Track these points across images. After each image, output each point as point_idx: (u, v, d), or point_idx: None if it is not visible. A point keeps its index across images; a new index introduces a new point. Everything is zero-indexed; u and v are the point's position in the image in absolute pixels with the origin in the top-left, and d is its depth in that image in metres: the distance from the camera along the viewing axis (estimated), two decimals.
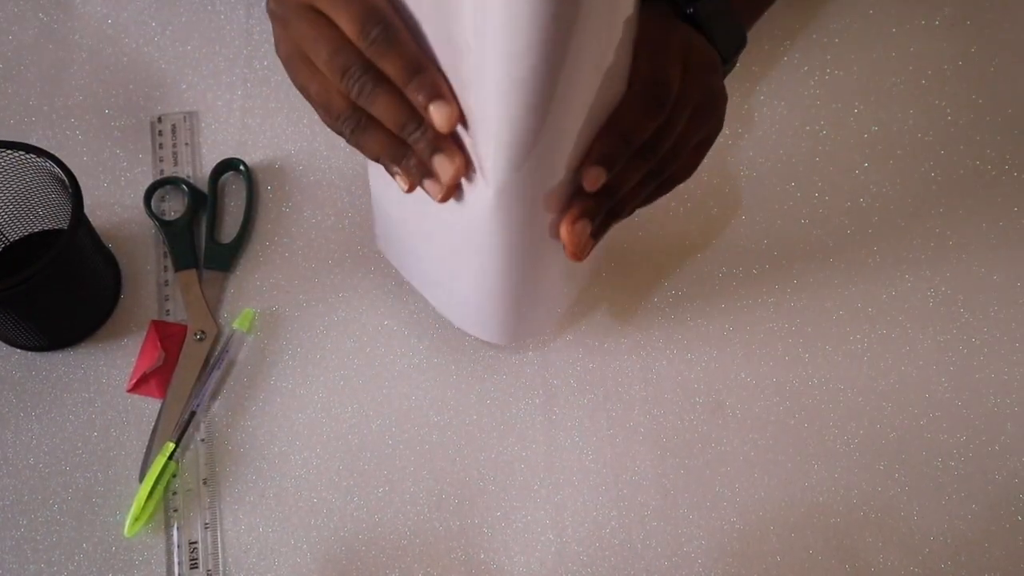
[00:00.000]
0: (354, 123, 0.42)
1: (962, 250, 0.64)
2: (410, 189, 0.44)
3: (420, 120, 0.40)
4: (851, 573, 0.56)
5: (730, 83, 0.54)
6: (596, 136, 0.42)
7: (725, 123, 0.50)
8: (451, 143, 0.41)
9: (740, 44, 0.53)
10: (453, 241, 0.49)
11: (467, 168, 0.42)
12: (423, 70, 0.39)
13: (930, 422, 0.60)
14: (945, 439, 0.59)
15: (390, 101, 0.40)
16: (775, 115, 0.68)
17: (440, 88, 0.39)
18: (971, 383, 0.61)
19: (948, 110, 0.68)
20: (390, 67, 0.39)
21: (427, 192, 0.43)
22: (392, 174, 0.44)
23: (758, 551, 0.57)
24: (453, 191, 0.43)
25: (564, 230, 0.44)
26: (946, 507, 0.58)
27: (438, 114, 0.39)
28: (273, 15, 0.42)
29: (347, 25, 0.39)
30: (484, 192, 0.42)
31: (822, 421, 0.60)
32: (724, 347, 0.61)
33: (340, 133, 0.43)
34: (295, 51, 0.42)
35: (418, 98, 0.39)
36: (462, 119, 0.40)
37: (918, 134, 0.68)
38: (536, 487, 0.58)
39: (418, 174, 0.43)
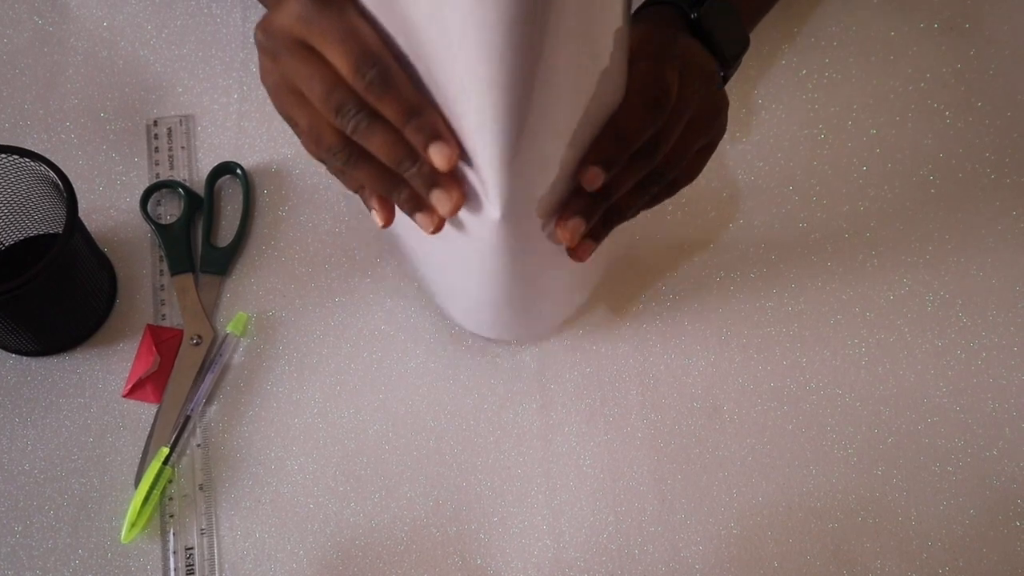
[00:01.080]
0: (345, 156, 0.41)
1: (960, 254, 0.64)
2: (385, 225, 0.43)
3: (417, 156, 0.39)
4: None
5: (728, 86, 0.54)
6: (595, 141, 0.42)
7: None
8: (448, 177, 0.40)
9: (743, 47, 0.53)
10: (458, 255, 0.48)
11: (465, 198, 0.41)
12: (420, 112, 0.38)
13: (928, 427, 0.60)
14: (943, 444, 0.59)
15: (386, 138, 0.39)
16: (773, 118, 0.68)
17: (438, 129, 0.38)
18: (969, 387, 0.61)
19: (947, 113, 0.68)
20: (387, 109, 0.38)
21: (418, 224, 0.42)
22: (368, 208, 0.43)
23: (756, 556, 0.56)
24: (443, 224, 0.42)
25: (559, 228, 0.44)
26: (944, 512, 0.58)
27: (438, 156, 0.38)
28: (261, 46, 0.41)
29: (342, 65, 0.38)
30: (489, 213, 0.42)
31: (820, 426, 0.59)
32: (722, 351, 0.61)
33: (327, 163, 0.42)
34: (283, 83, 0.41)
35: (417, 139, 0.38)
36: (462, 155, 0.39)
37: (916, 138, 0.67)
38: (533, 492, 0.57)
39: (411, 207, 0.42)
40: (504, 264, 0.47)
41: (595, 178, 0.42)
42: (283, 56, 0.40)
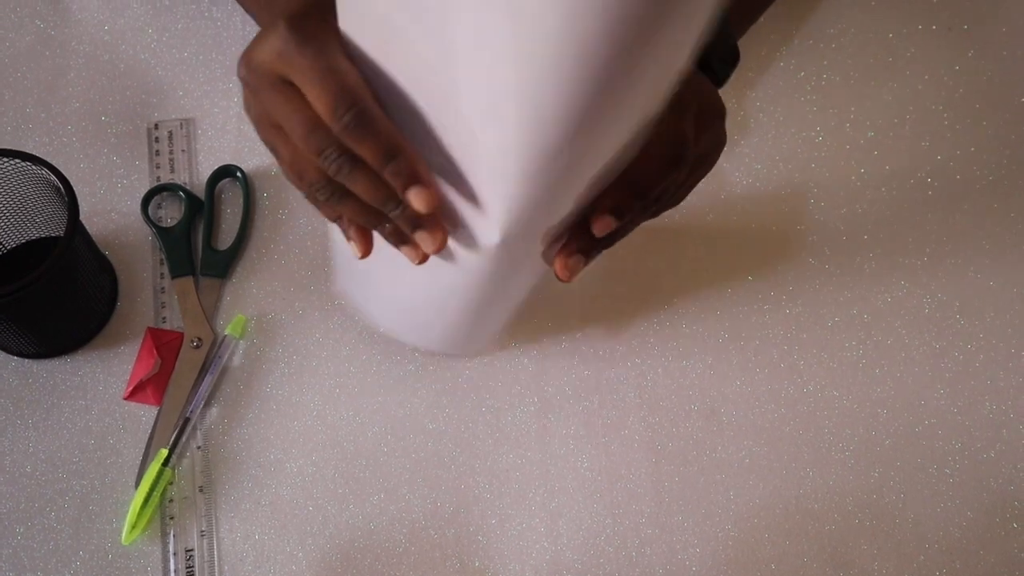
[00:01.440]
0: (328, 193, 0.40)
1: (958, 256, 0.64)
2: (363, 256, 0.43)
3: (399, 198, 0.39)
4: None
5: (726, 88, 0.54)
6: (612, 187, 0.42)
7: None
8: (431, 218, 0.39)
9: (734, 63, 0.53)
10: (430, 279, 0.47)
11: (453, 231, 0.41)
12: (398, 155, 0.37)
13: (925, 429, 0.60)
14: (940, 446, 0.59)
15: (369, 181, 0.38)
16: (771, 120, 0.68)
17: (416, 173, 0.37)
18: (966, 389, 0.61)
19: (944, 115, 0.68)
20: (364, 152, 0.37)
21: (405, 255, 0.42)
22: (347, 238, 0.43)
23: (753, 559, 0.57)
24: (429, 256, 0.42)
25: (559, 264, 0.44)
26: (941, 514, 0.58)
27: (416, 199, 0.37)
28: (244, 82, 0.40)
29: (319, 106, 0.37)
30: (488, 237, 0.40)
31: (817, 428, 0.60)
32: (719, 354, 0.61)
33: (307, 196, 0.42)
34: (265, 117, 0.40)
35: (395, 183, 0.38)
36: (455, 180, 0.38)
37: (914, 140, 0.67)
38: (531, 494, 0.58)
39: (396, 240, 0.42)
40: (480, 286, 0.46)
41: (606, 227, 0.42)
42: (264, 92, 0.39)
